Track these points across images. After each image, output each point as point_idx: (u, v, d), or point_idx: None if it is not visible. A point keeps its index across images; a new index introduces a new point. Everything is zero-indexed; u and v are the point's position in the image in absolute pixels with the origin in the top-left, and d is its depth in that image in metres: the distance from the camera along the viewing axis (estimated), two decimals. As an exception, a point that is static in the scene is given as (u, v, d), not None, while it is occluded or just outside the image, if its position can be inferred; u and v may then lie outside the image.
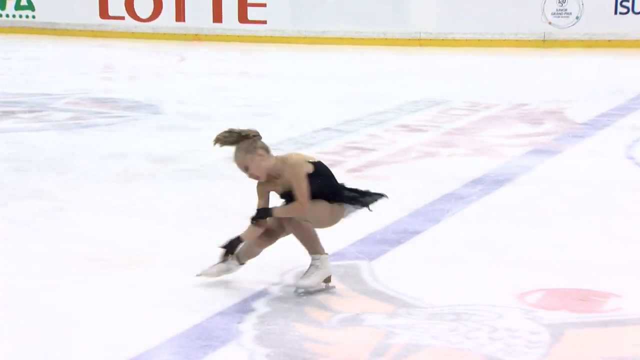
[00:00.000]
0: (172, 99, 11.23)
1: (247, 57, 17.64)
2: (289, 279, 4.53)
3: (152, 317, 4.06)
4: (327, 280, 4.40)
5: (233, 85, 12.89)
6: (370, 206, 4.51)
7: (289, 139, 8.30)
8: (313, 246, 4.35)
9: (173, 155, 7.80)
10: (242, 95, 11.63)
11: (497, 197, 6.37)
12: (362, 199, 4.49)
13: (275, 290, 4.39)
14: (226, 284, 4.46)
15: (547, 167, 7.36)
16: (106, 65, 17.09)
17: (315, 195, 4.30)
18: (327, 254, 4.38)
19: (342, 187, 4.49)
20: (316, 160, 4.42)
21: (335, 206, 4.42)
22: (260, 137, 4.39)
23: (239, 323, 3.95)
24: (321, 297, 4.28)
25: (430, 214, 5.86)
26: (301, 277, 4.35)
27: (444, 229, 5.56)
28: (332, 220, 4.46)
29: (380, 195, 4.54)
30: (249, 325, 3.93)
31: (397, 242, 5.24)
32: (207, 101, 11.08)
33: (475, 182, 6.76)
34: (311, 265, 4.34)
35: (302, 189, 4.25)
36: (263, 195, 4.41)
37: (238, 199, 6.20)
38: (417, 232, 5.45)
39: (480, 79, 13.98)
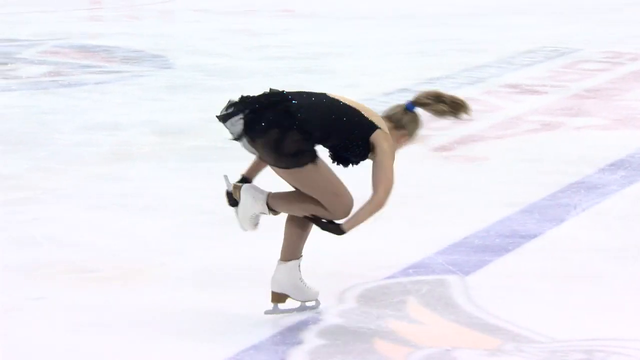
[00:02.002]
0: (185, 48, 11.31)
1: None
2: (350, 301, 4.54)
3: (158, 351, 4.09)
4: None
5: (268, 27, 12.92)
6: None
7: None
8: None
9: (184, 126, 7.86)
10: (289, 43, 11.66)
11: (646, 187, 6.35)
12: None
13: (331, 316, 4.39)
14: (260, 308, 4.47)
15: None
16: None
17: None
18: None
19: None
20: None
21: None
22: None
23: (280, 361, 3.98)
24: (396, 326, 4.28)
25: (550, 211, 5.83)
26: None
27: (570, 232, 5.53)
28: None
29: None
30: (294, 365, 3.95)
31: (503, 249, 5.22)
32: (231, 50, 11.13)
33: (615, 165, 6.72)
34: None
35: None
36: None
37: (276, 185, 6.21)
38: (530, 236, 5.42)
39: (621, 18, 13.83)
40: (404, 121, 4.44)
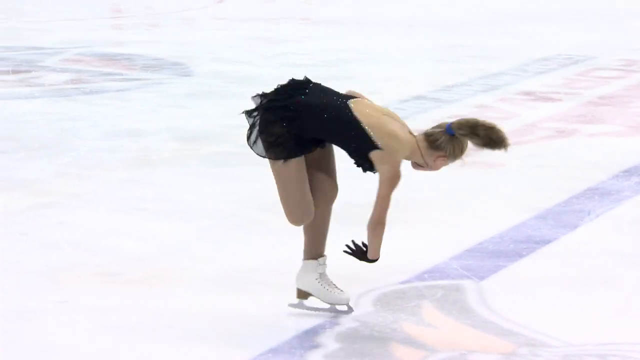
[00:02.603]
0: (206, 55, 11.32)
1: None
2: (366, 305, 4.55)
3: (179, 353, 4.11)
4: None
5: (288, 35, 12.94)
6: None
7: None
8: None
9: (205, 132, 7.87)
10: (306, 50, 11.67)
11: (660, 193, 6.32)
12: None
13: (347, 320, 4.39)
14: (279, 311, 4.49)
15: None
16: (116, 8, 17.28)
17: None
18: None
19: None
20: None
21: None
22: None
23: (297, 364, 3.99)
24: (411, 330, 4.29)
25: (564, 217, 5.82)
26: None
27: (584, 238, 5.52)
28: None
29: None
30: (311, 368, 3.96)
31: (518, 255, 5.22)
32: (253, 58, 11.14)
33: (629, 172, 6.71)
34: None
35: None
36: None
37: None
38: (545, 242, 5.41)
39: (636, 26, 13.79)
40: (440, 142, 4.37)
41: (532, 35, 12.83)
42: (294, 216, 4.45)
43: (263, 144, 4.46)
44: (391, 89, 9.29)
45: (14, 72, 10.23)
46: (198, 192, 6.35)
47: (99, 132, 7.83)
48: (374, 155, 4.29)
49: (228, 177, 6.67)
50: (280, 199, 4.47)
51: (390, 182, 4.28)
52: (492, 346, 4.16)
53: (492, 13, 15.10)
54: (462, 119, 4.43)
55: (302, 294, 4.49)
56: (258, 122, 4.53)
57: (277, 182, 4.46)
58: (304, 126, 4.38)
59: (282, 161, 4.39)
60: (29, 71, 10.27)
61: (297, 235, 4.90)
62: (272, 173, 4.47)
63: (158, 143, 7.53)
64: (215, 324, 4.40)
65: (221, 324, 4.39)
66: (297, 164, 4.40)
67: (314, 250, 4.50)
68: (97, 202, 6.13)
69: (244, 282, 4.86)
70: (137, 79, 10.01)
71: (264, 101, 4.59)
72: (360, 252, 4.39)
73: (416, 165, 4.43)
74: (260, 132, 4.48)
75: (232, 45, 12.16)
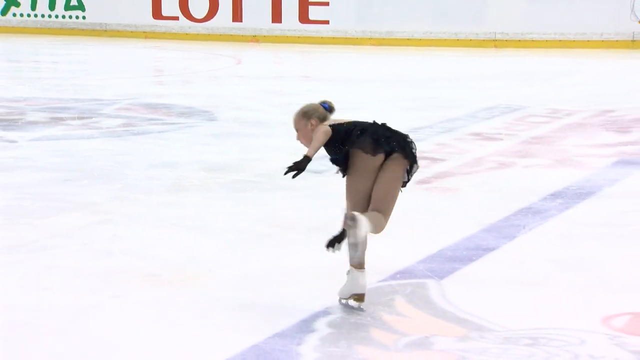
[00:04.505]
0: (228, 105, 11.34)
1: (308, 59, 17.76)
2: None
3: (204, 338, 4.10)
4: (359, 298, 4.38)
5: (293, 89, 12.96)
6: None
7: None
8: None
9: (228, 164, 7.88)
10: (303, 100, 11.70)
11: (579, 212, 6.30)
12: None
13: (337, 310, 4.39)
14: (283, 304, 4.49)
15: (635, 180, 7.26)
16: (158, 68, 17.33)
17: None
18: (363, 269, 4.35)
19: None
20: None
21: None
22: (330, 109, 4.76)
23: (298, 345, 3.97)
24: (387, 318, 4.29)
25: (505, 230, 5.82)
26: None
27: (520, 246, 5.52)
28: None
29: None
30: (309, 348, 3.94)
31: (469, 259, 5.21)
32: (265, 107, 11.16)
33: (555, 195, 6.70)
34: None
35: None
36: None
37: (297, 212, 6.24)
38: (490, 249, 5.41)
39: (561, 83, 13.84)
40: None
41: (481, 90, 12.89)
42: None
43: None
44: (371, 131, 9.29)
45: (80, 118, 10.27)
46: (221, 212, 6.36)
47: (144, 164, 7.84)
48: None
49: (244, 200, 6.67)
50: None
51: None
52: (449, 331, 4.16)
53: (450, 72, 15.18)
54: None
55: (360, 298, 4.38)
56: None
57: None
58: None
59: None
60: (91, 117, 10.30)
61: (297, 247, 4.91)
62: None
63: (190, 173, 7.54)
64: (234, 315, 4.40)
65: (239, 315, 4.39)
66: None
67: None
68: (143, 220, 6.14)
69: (256, 283, 4.86)
70: (173, 123, 10.04)
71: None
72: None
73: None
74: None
75: (248, 97, 12.21)
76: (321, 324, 4.21)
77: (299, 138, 4.60)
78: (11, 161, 7.97)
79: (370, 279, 4.45)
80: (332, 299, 4.50)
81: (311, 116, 4.58)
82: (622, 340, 4.02)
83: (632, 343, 3.99)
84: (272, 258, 5.25)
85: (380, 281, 4.80)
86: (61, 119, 10.20)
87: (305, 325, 4.20)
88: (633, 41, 18.42)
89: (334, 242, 4.38)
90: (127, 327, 4.22)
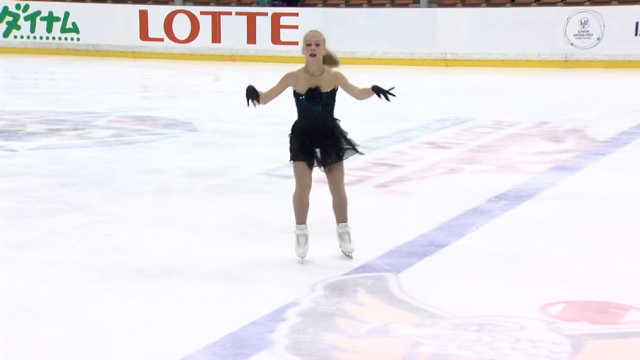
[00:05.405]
0: (208, 117, 11.30)
1: (279, 76, 17.71)
2: (319, 291, 4.54)
3: (187, 325, 4.08)
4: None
5: (266, 104, 12.92)
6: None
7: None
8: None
9: (209, 170, 7.84)
10: (274, 113, 11.70)
11: (520, 212, 6.33)
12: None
13: (306, 301, 4.38)
14: (258, 295, 4.48)
15: (568, 184, 7.31)
16: (145, 84, 17.23)
17: None
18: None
19: None
20: None
21: None
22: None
23: (271, 332, 3.96)
24: (350, 308, 4.28)
25: (455, 228, 5.84)
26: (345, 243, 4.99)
27: (469, 243, 5.53)
28: None
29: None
30: (280, 335, 3.93)
31: (424, 254, 5.22)
32: (241, 119, 11.13)
33: (498, 197, 6.73)
34: (348, 232, 4.99)
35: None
36: (282, 86, 4.99)
37: (271, 212, 6.23)
38: (442, 245, 5.43)
39: (503, 97, 13.94)
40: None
41: (433, 103, 12.96)
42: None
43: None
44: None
45: (74, 129, 10.20)
46: (203, 212, 6.33)
47: (133, 170, 7.80)
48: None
49: (224, 202, 6.65)
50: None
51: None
52: (406, 318, 4.16)
53: (406, 88, 15.17)
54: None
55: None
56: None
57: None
58: None
59: None
60: (84, 128, 10.24)
61: (272, 244, 4.89)
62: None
63: (174, 178, 7.50)
64: (214, 304, 4.38)
65: (218, 304, 4.37)
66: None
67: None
68: (133, 220, 6.10)
69: (234, 276, 4.84)
70: (159, 134, 9.99)
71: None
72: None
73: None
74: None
75: (227, 110, 12.19)
76: (291, 314, 4.20)
77: (315, 50, 4.81)
78: (13, 168, 7.89)
79: (334, 273, 4.46)
80: (301, 291, 4.50)
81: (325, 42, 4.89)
82: (557, 326, 4.04)
83: (567, 328, 4.02)
84: (249, 254, 5.23)
85: (343, 274, 4.80)
86: (58, 130, 10.12)
87: (278, 315, 4.18)
88: (566, 61, 18.60)
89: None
90: (116, 315, 4.19)
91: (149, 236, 5.65)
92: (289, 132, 5.04)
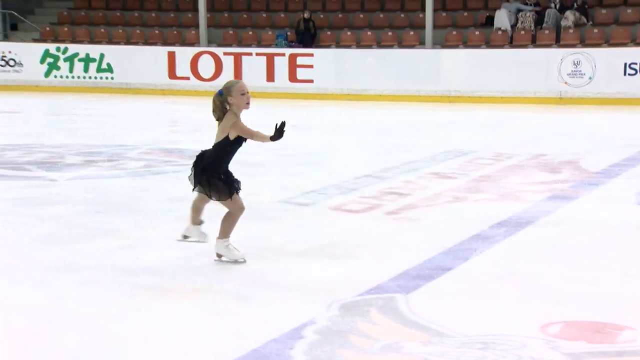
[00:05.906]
0: (230, 149, 11.31)
1: (296, 111, 17.77)
2: (334, 310, 4.50)
3: (212, 341, 4.05)
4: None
5: (284, 136, 12.95)
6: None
7: (333, 185, 8.29)
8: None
9: (231, 198, 7.81)
10: (292, 145, 11.72)
11: (520, 237, 6.29)
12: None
13: (322, 320, 4.35)
14: (277, 314, 4.44)
15: (565, 211, 7.27)
16: (173, 119, 17.31)
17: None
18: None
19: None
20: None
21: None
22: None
23: (290, 349, 3.92)
24: (363, 327, 4.24)
25: (460, 252, 5.80)
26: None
27: (473, 266, 5.49)
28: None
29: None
30: (299, 351, 3.90)
31: (431, 277, 5.19)
32: (261, 150, 11.07)
33: (500, 224, 6.70)
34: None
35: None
36: None
37: (285, 237, 6.21)
38: (448, 269, 5.39)
39: (503, 132, 13.92)
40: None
41: (439, 137, 12.94)
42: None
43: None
44: (347, 171, 9.30)
45: (109, 160, 10.24)
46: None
47: (161, 198, 7.82)
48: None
49: (241, 227, 6.56)
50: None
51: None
52: (415, 337, 4.12)
53: (413, 122, 15.23)
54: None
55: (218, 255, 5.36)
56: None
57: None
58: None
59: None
60: (117, 160, 10.28)
61: (287, 265, 4.84)
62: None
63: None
64: (237, 323, 4.33)
65: (240, 323, 4.32)
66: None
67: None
68: (160, 244, 6.09)
69: (253, 295, 4.79)
70: (185, 165, 9.99)
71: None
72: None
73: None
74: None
75: (247, 142, 12.16)
76: (309, 332, 4.16)
77: (249, 99, 5.42)
78: (52, 197, 7.91)
79: (348, 294, 4.42)
80: (317, 311, 4.46)
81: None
82: (557, 344, 3.99)
83: (566, 347, 3.97)
84: (267, 276, 5.20)
85: (357, 295, 4.76)
86: (93, 161, 10.15)
87: (296, 333, 4.15)
88: (560, 98, 18.60)
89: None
90: (144, 332, 4.16)
91: (173, 258, 5.63)
92: (214, 173, 5.55)
